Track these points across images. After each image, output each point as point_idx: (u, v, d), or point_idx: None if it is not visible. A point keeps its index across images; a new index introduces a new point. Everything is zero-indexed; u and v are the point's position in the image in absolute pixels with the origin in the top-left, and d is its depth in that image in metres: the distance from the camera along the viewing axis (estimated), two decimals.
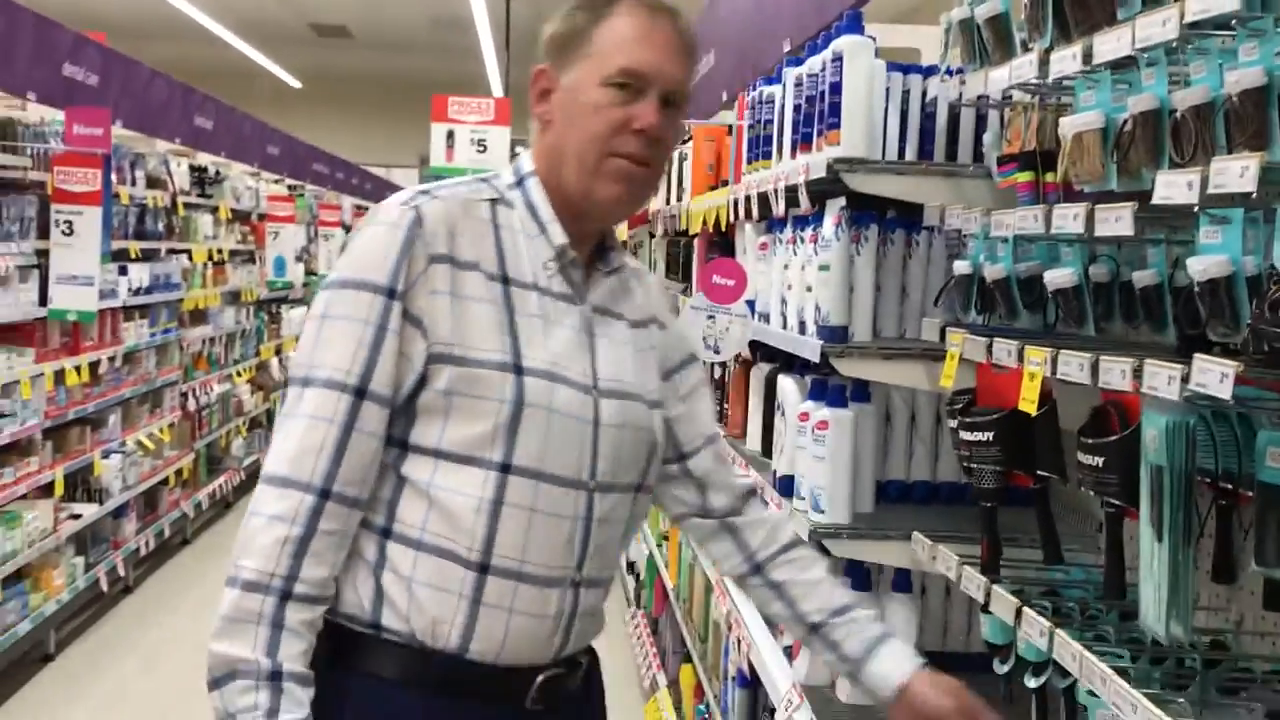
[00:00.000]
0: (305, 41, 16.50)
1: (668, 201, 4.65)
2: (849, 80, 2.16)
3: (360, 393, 1.45)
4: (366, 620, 1.50)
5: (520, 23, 14.10)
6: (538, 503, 1.50)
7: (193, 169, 7.42)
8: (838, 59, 2.18)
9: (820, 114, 2.26)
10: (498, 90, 16.77)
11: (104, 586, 5.49)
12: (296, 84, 18.62)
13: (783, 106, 2.57)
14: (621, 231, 6.34)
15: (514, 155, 9.90)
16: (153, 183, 6.53)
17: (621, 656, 5.31)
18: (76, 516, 5.28)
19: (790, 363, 2.78)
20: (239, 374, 8.28)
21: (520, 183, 1.59)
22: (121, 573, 5.79)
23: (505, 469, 1.48)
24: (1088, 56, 1.57)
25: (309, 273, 10.65)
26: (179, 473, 6.76)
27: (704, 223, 3.51)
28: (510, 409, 1.48)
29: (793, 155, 2.45)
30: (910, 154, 2.35)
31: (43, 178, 4.95)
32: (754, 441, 2.89)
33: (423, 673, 1.49)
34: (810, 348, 2.23)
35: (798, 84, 2.44)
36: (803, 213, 2.34)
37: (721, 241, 3.78)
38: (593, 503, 1.53)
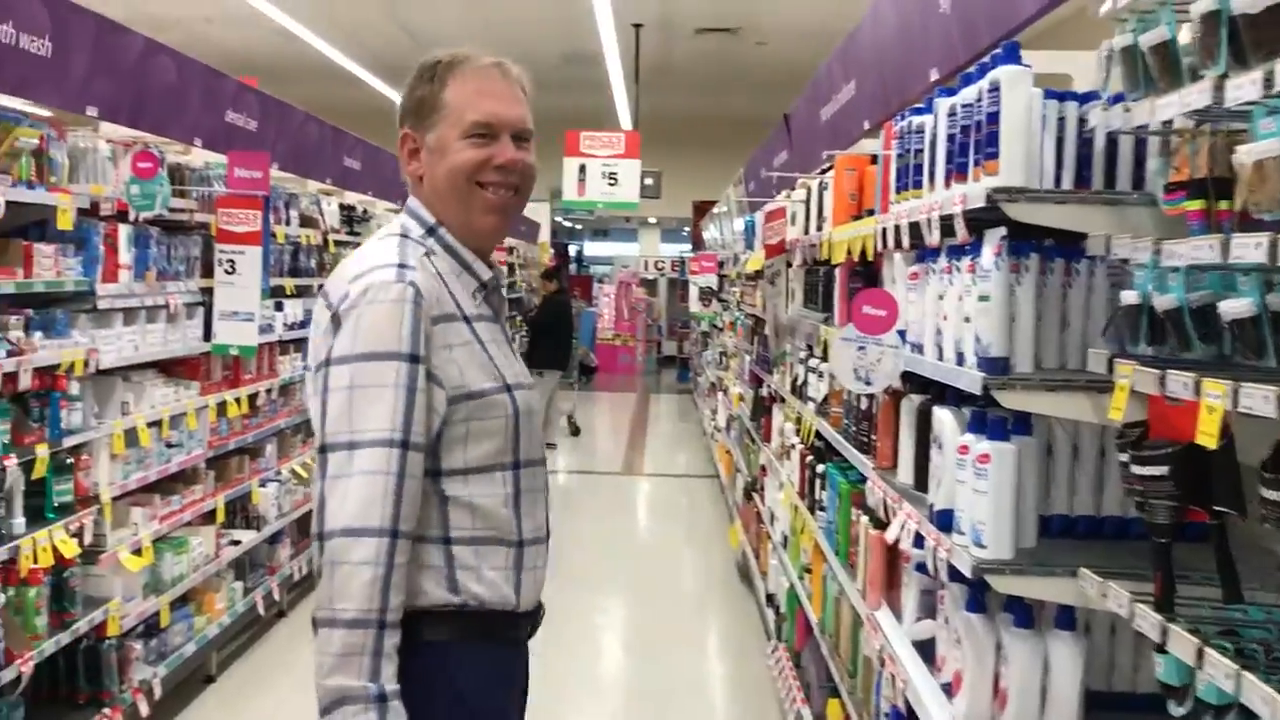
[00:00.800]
0: None
1: (806, 231, 4.65)
2: (1007, 110, 2.14)
3: (405, 445, 1.72)
4: (453, 607, 1.83)
5: (649, 54, 14.32)
6: (534, 484, 1.95)
7: (341, 207, 7.71)
8: (995, 89, 2.16)
9: (977, 144, 2.24)
10: (626, 123, 17.00)
11: (261, 610, 5.71)
12: None
13: (934, 137, 2.56)
14: (757, 261, 6.36)
15: (644, 186, 9.90)
16: (305, 221, 6.81)
17: (763, 691, 5.28)
18: (236, 542, 5.51)
19: (943, 394, 2.75)
20: None
21: (432, 231, 1.90)
22: (276, 597, 6.01)
23: (516, 466, 1.89)
24: (1269, 82, 1.53)
25: None
26: None
27: (848, 252, 3.50)
28: (512, 420, 1.86)
29: (946, 185, 2.44)
30: (1067, 182, 2.32)
31: (207, 219, 5.21)
32: (906, 474, 2.86)
33: (495, 629, 1.87)
34: (970, 379, 2.21)
35: (951, 114, 2.43)
36: (959, 242, 2.32)
37: (865, 271, 3.77)
38: (545, 473, 2.01)
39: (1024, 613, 2.24)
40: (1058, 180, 2.30)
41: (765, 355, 6.28)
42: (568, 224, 29.64)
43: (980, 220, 2.26)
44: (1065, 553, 2.23)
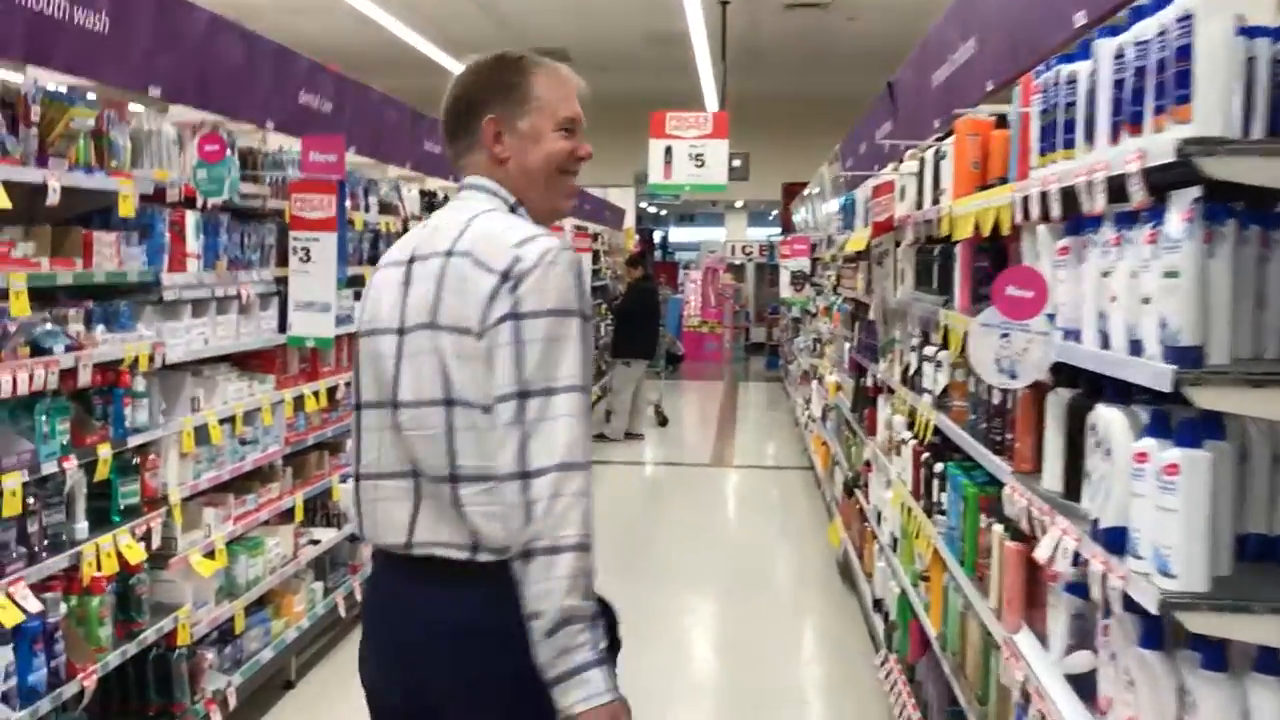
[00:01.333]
0: None
1: (919, 205, 4.25)
2: (1203, 43, 1.75)
3: (586, 390, 1.90)
4: None
5: (736, 33, 13.89)
6: None
7: (422, 194, 7.47)
8: (1186, 19, 1.77)
9: (1159, 88, 1.85)
10: (712, 105, 16.59)
11: (341, 611, 5.50)
12: None
13: (1093, 86, 2.17)
14: (859, 241, 5.96)
15: (732, 169, 9.42)
16: (385, 208, 6.58)
17: (872, 703, 4.91)
18: (316, 541, 5.30)
19: (1097, 388, 2.36)
20: None
21: (514, 209, 2.06)
22: (359, 597, 5.80)
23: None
24: None
25: None
26: None
27: (975, 227, 3.11)
28: None
29: (1113, 140, 2.05)
30: (1257, 132, 1.91)
31: (280, 205, 4.99)
32: (1053, 480, 2.48)
33: None
34: (1155, 373, 1.82)
35: (1118, 56, 2.04)
36: (1133, 208, 1.93)
37: (992, 248, 3.37)
38: None
39: (1214, 652, 1.86)
40: (1245, 131, 1.91)
41: (869, 342, 5.88)
42: (652, 209, 29.29)
43: (1164, 181, 1.87)
44: (1267, 582, 1.84)
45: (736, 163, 13.58)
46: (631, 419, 12.10)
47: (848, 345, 7.09)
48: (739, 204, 25.90)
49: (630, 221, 19.88)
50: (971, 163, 3.49)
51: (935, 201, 3.93)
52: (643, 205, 25.54)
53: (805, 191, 13.77)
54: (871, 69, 17.94)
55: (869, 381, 5.73)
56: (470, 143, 2.08)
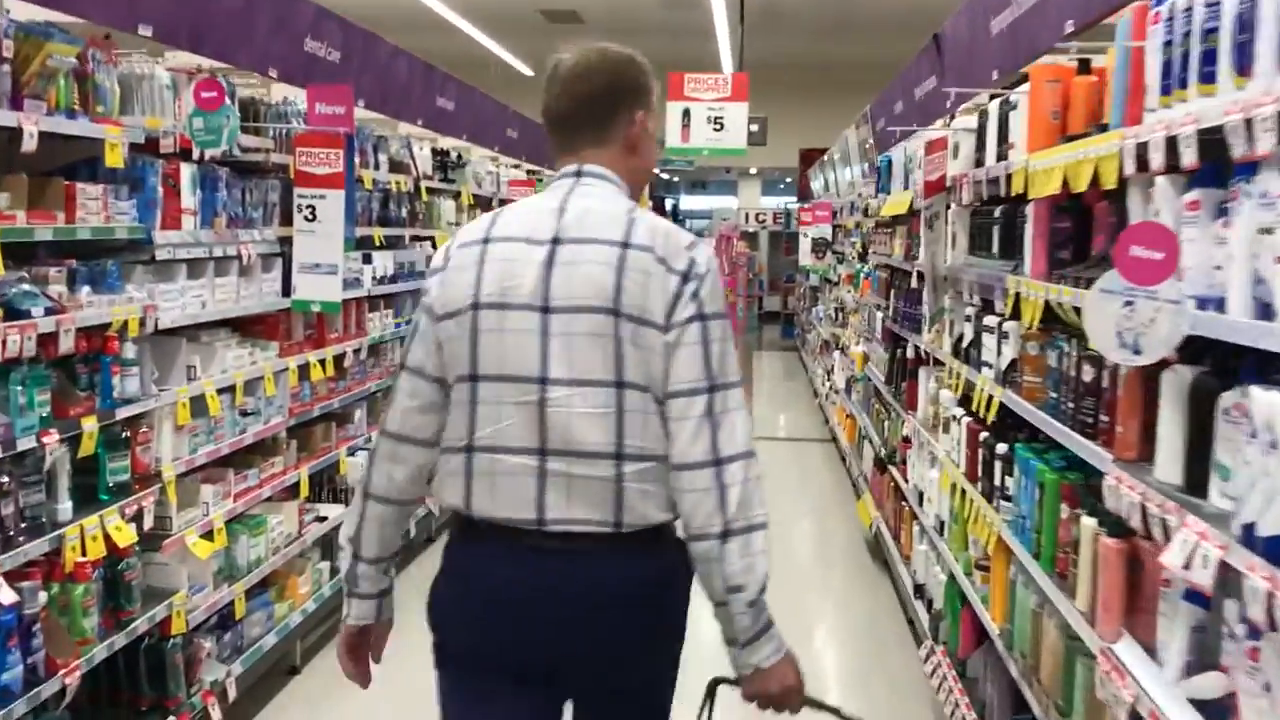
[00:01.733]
0: (536, 28, 16.35)
1: (980, 163, 3.90)
2: None
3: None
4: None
5: None
6: None
7: (434, 152, 7.12)
8: None
9: None
10: (729, 68, 16.16)
11: None
12: (528, 72, 18.57)
13: (1247, 7, 1.82)
14: (898, 204, 5.61)
15: (750, 133, 8.94)
16: (395, 167, 6.24)
17: (913, 695, 4.60)
18: (323, 519, 5.00)
19: (1224, 364, 2.03)
20: None
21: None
22: None
23: None
24: None
25: None
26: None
27: (1063, 182, 2.76)
28: None
29: None
30: None
31: (284, 160, 4.65)
32: (1170, 471, 2.15)
33: None
34: None
35: None
36: None
37: (1074, 207, 3.02)
38: None
39: None
40: None
41: (908, 311, 5.53)
42: (665, 176, 28.86)
43: None
44: None
45: (754, 127, 13.16)
46: None
47: (880, 315, 6.74)
48: (753, 171, 25.46)
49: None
50: (1050, 112, 3.14)
51: (1002, 158, 3.58)
52: (655, 171, 25.18)
53: (825, 157, 13.37)
54: (892, 32, 17.47)
55: (909, 353, 5.39)
56: (602, 133, 2.12)
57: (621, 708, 2.16)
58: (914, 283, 5.24)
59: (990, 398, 3.56)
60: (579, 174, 2.11)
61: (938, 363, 4.70)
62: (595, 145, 2.11)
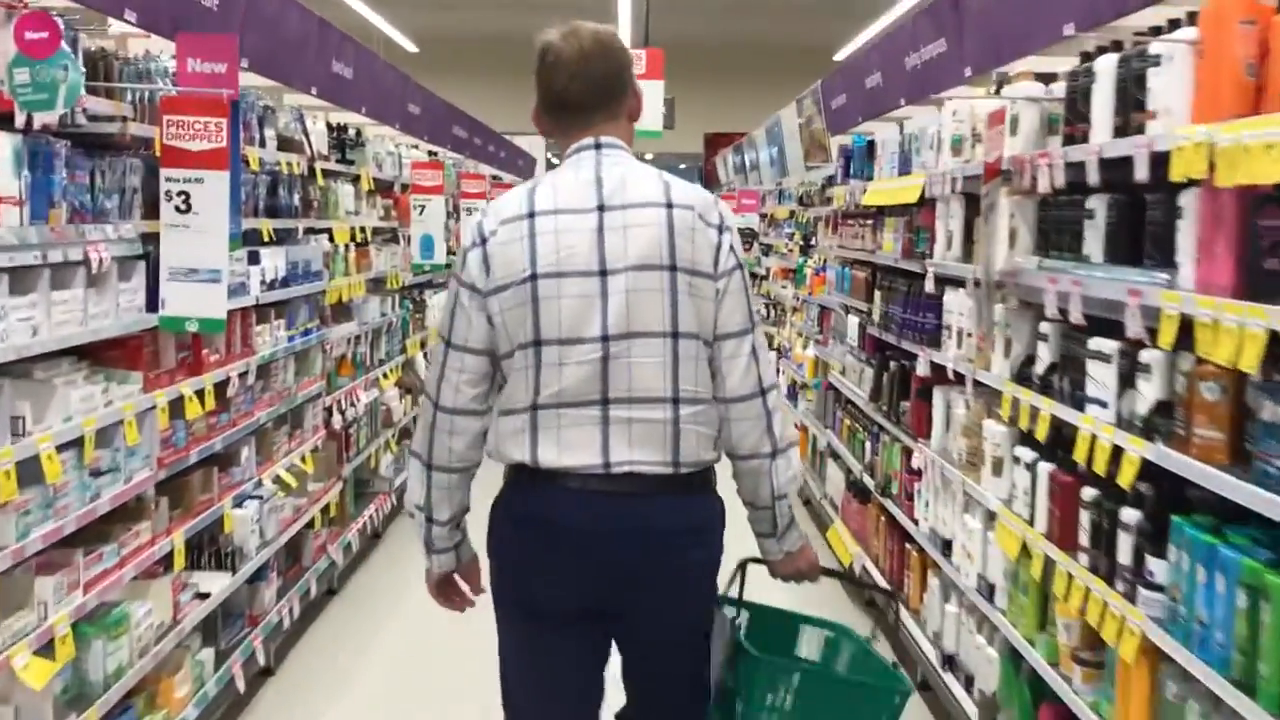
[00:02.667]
0: (421, 3, 15.22)
1: (1071, 139, 3.04)
2: None
3: None
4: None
5: None
6: None
7: (330, 128, 6.01)
8: None
9: None
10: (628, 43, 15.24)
11: (241, 685, 4.11)
12: (413, 48, 17.33)
13: None
14: (903, 191, 4.74)
15: (666, 114, 7.92)
16: (285, 144, 5.13)
17: None
18: (204, 595, 3.90)
19: None
20: (386, 376, 6.90)
21: None
22: (261, 659, 4.42)
23: None
24: None
25: (449, 253, 9.31)
26: (325, 510, 5.39)
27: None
28: None
29: None
30: None
31: (148, 133, 3.54)
32: None
33: None
34: None
35: None
36: None
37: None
38: None
39: None
40: None
41: (912, 319, 4.68)
42: (556, 161, 27.83)
43: None
44: None
45: (662, 110, 12.24)
46: None
47: (855, 319, 5.89)
48: (648, 157, 24.60)
49: (541, 171, 18.40)
50: (1244, 66, 2.27)
51: (1127, 131, 2.72)
52: (548, 156, 24.01)
53: (745, 140, 12.55)
54: (801, 12, 16.84)
55: (917, 369, 4.53)
56: (615, 108, 2.32)
57: (670, 641, 2.34)
58: (929, 286, 4.38)
59: (1117, 449, 2.70)
60: (598, 145, 2.30)
61: (977, 384, 3.84)
62: (608, 119, 2.31)
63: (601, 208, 2.23)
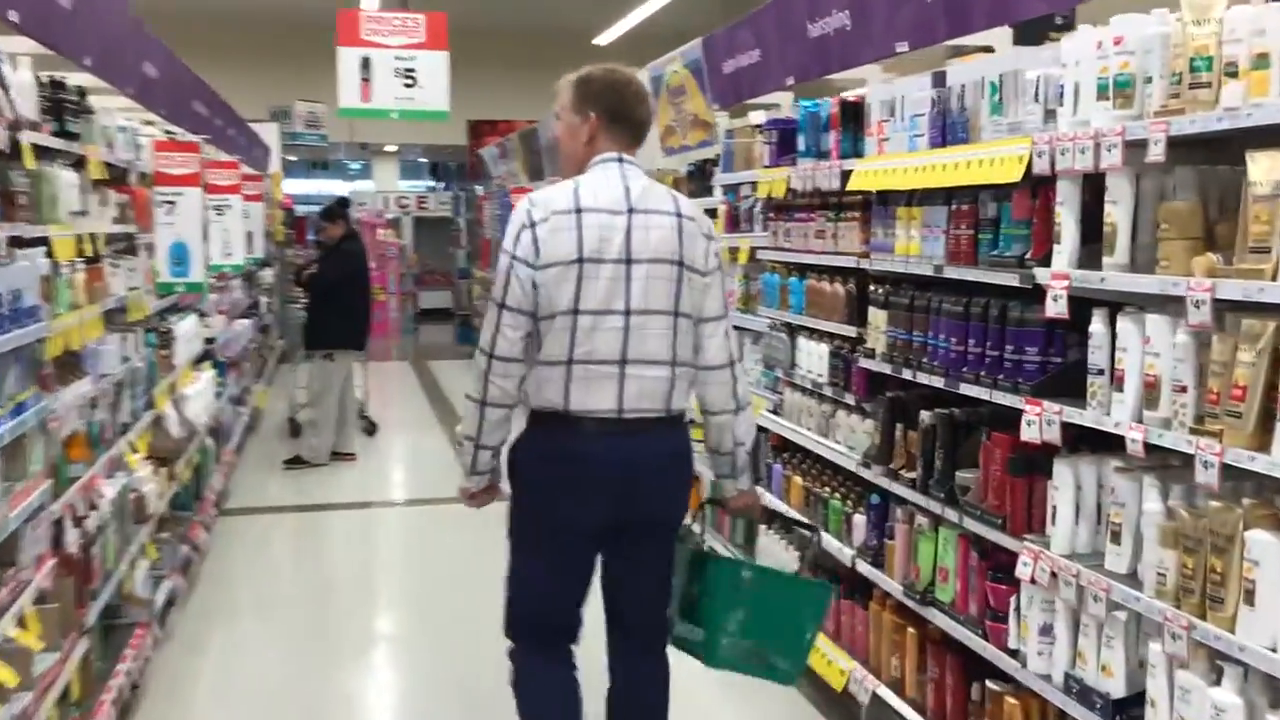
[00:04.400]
0: None
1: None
2: None
3: None
4: None
5: None
6: None
7: (42, 84, 3.91)
8: None
9: None
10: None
11: None
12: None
13: None
14: (878, 176, 3.24)
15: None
16: None
17: None
18: None
19: None
20: (134, 448, 4.79)
21: None
22: None
23: None
24: None
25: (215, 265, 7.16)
26: (64, 695, 3.33)
27: None
28: None
29: None
30: None
31: None
32: None
33: None
34: None
35: None
36: None
37: None
38: None
39: None
40: None
41: (978, 353, 3.20)
42: (293, 159, 24.96)
43: None
44: None
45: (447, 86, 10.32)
46: (340, 433, 8.74)
47: (820, 346, 4.37)
48: (391, 148, 22.32)
49: (276, 165, 15.95)
50: None
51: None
52: (283, 156, 21.29)
53: (543, 123, 10.87)
54: None
55: (1028, 430, 3.03)
56: (644, 137, 3.07)
57: (662, 534, 3.05)
58: (1056, 308, 2.89)
59: None
60: (621, 159, 2.97)
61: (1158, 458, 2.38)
62: (637, 144, 3.04)
63: (631, 210, 2.88)
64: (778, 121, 4.83)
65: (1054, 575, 2.90)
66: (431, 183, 25.46)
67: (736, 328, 5.39)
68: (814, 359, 4.40)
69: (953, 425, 3.46)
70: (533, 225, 2.83)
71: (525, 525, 3.00)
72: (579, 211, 2.83)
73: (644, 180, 2.95)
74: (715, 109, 5.79)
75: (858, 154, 4.01)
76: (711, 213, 6.01)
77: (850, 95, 4.19)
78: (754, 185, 5.23)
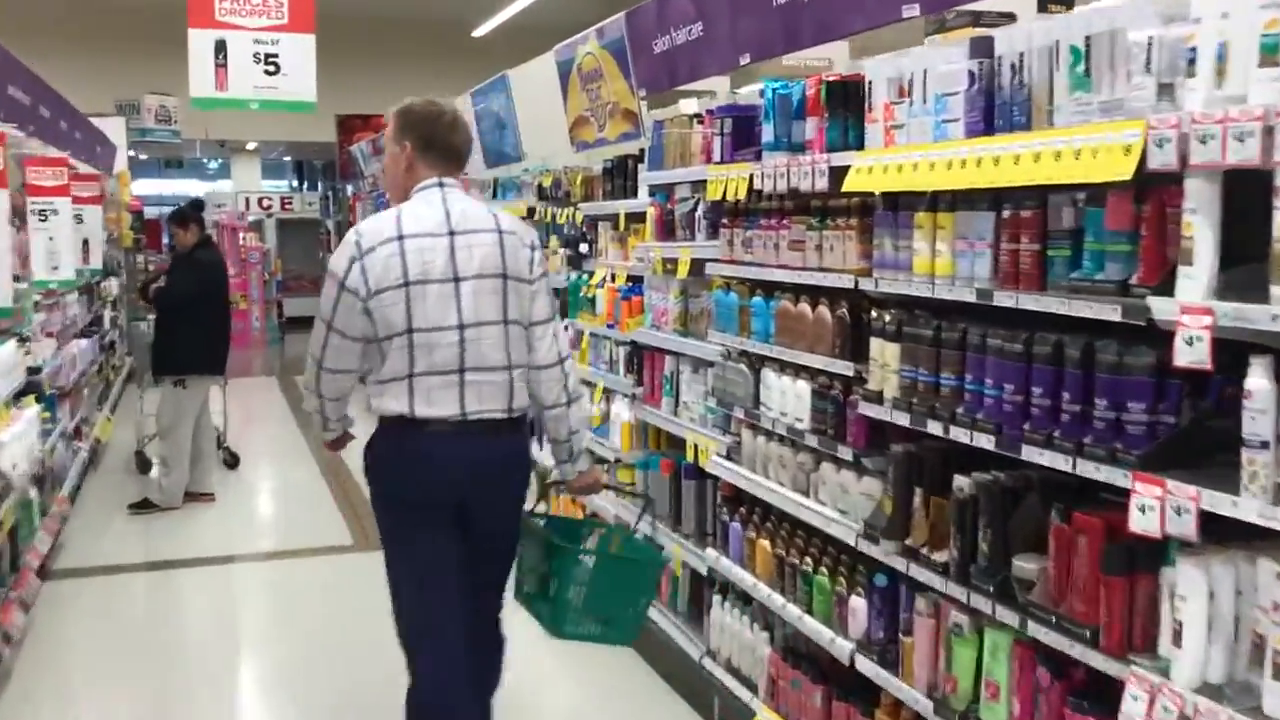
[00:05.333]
0: None
1: None
2: None
3: None
4: None
5: None
6: None
7: None
8: None
9: None
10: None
11: None
12: None
13: None
14: (884, 176, 2.43)
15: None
16: None
17: None
18: None
19: None
20: None
21: None
22: None
23: None
24: None
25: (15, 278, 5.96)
26: None
27: None
28: None
29: None
30: None
31: None
32: None
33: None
34: None
35: None
36: None
37: None
38: None
39: None
40: None
41: (1048, 406, 2.41)
42: (130, 153, 23.17)
43: None
44: None
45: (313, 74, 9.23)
46: (196, 470, 7.60)
47: (799, 384, 3.54)
48: (251, 145, 20.84)
49: (123, 163, 14.50)
50: None
51: None
52: (130, 151, 19.60)
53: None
54: None
55: (1140, 521, 2.24)
56: (463, 162, 3.28)
57: (500, 524, 3.24)
58: (1183, 357, 2.10)
59: None
60: (441, 184, 3.13)
61: None
62: (457, 168, 3.23)
63: (452, 232, 3.06)
64: (732, 108, 3.99)
65: (1184, 718, 2.13)
66: (295, 182, 24.02)
67: (672, 352, 4.57)
68: (789, 399, 3.57)
69: (1002, 495, 2.67)
70: (361, 256, 2.99)
71: (386, 520, 3.19)
72: (401, 239, 3.00)
73: (465, 203, 3.14)
74: (641, 96, 4.92)
75: (852, 145, 3.20)
76: (638, 217, 5.14)
77: (831, 76, 3.37)
78: (697, 185, 4.38)
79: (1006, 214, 2.59)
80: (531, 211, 6.83)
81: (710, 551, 4.19)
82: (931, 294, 2.84)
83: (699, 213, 4.35)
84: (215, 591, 6.00)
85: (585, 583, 3.29)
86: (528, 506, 3.35)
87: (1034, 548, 2.58)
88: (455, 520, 3.10)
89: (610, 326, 5.31)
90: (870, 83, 3.09)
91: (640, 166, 5.13)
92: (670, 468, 4.70)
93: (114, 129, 14.67)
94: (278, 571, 6.37)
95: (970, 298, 2.70)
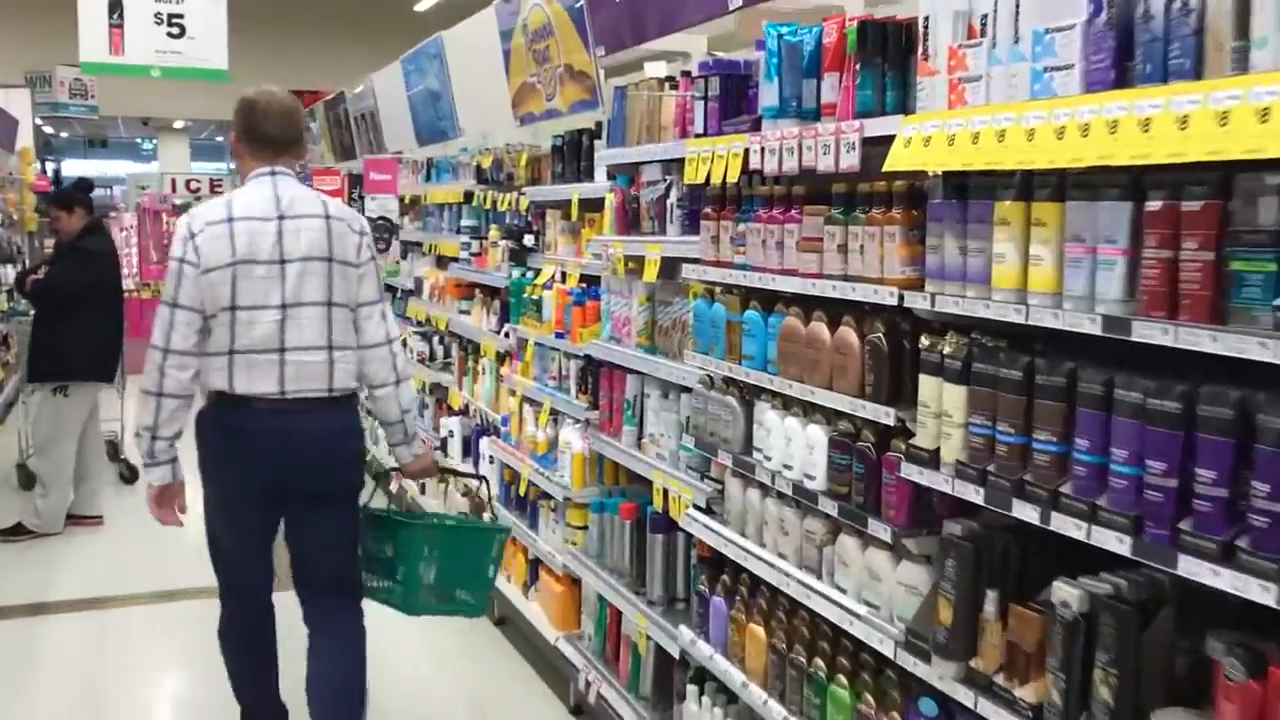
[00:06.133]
0: None
1: None
2: None
3: None
4: None
5: None
6: None
7: None
8: None
9: None
10: None
11: None
12: None
13: None
14: (920, 153, 1.57)
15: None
16: None
17: None
18: None
19: None
20: None
21: None
22: None
23: None
24: None
25: None
26: None
27: None
28: None
29: None
30: None
31: None
32: None
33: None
34: None
35: None
36: None
37: None
38: None
39: None
40: None
41: (1197, 495, 1.56)
42: (48, 129, 21.82)
43: None
44: None
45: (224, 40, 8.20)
46: (81, 489, 6.60)
47: (812, 430, 2.68)
48: (179, 124, 19.62)
49: (28, 138, 13.32)
50: None
51: None
52: (39, 122, 18.32)
53: (355, 94, 8.92)
54: None
55: None
56: (294, 148, 3.38)
57: (326, 505, 3.34)
58: None
59: None
60: (273, 172, 3.30)
61: None
62: (288, 155, 3.36)
63: (281, 217, 3.22)
64: (720, 64, 3.10)
65: None
66: (229, 165, 22.82)
67: (636, 371, 3.70)
68: (796, 448, 2.70)
69: (1136, 616, 1.82)
70: (193, 236, 3.18)
71: (208, 488, 3.35)
72: (231, 221, 3.18)
73: (295, 189, 3.30)
74: (600, 55, 4.03)
75: (890, 109, 2.33)
76: (594, 204, 4.25)
77: (860, 15, 2.49)
78: (670, 165, 3.50)
79: (1156, 205, 1.73)
80: (469, 196, 5.89)
81: (685, 631, 3.31)
82: (1024, 319, 1.97)
83: (672, 200, 3.47)
84: (86, 640, 5.02)
85: (433, 558, 3.45)
86: (362, 501, 3.44)
87: (1177, 695, 1.74)
88: (270, 499, 3.31)
89: (559, 336, 4.41)
90: (927, 19, 2.21)
91: (597, 143, 4.23)
92: (632, 513, 3.82)
93: (19, 102, 13.49)
94: (174, 614, 5.38)
95: (1092, 328, 1.84)
